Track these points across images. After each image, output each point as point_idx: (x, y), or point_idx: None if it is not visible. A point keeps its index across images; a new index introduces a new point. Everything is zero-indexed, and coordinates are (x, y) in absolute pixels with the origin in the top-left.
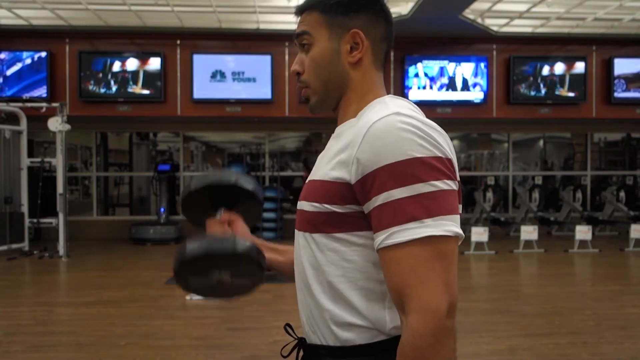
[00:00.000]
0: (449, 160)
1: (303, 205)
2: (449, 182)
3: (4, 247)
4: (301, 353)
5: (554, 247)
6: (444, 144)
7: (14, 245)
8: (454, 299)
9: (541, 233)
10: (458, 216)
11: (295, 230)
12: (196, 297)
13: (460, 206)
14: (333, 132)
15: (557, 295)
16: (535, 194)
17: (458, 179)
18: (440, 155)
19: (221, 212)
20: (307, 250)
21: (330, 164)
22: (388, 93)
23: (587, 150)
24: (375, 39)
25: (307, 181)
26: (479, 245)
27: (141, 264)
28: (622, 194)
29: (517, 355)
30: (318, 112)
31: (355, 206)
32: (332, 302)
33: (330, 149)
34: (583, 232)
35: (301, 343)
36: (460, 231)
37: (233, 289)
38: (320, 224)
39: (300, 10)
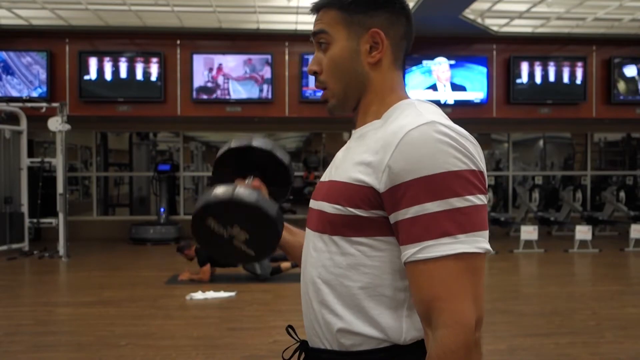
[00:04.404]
0: (482, 173)
1: (323, 206)
2: (481, 196)
3: (4, 247)
4: (303, 356)
5: (554, 247)
6: (477, 156)
7: (14, 245)
8: (481, 314)
9: (541, 233)
10: (487, 231)
11: (308, 230)
12: (196, 297)
13: None
14: (354, 132)
15: (557, 295)
16: (535, 194)
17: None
18: (474, 168)
19: (251, 179)
20: (323, 253)
21: (356, 167)
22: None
23: (587, 150)
24: (395, 39)
25: (325, 180)
26: None
27: (141, 264)
28: (622, 194)
29: (517, 355)
30: (337, 114)
31: (379, 211)
32: (344, 308)
33: (354, 149)
34: (583, 232)
35: (303, 346)
36: (490, 247)
37: (240, 254)
38: (342, 226)
39: (317, 8)
